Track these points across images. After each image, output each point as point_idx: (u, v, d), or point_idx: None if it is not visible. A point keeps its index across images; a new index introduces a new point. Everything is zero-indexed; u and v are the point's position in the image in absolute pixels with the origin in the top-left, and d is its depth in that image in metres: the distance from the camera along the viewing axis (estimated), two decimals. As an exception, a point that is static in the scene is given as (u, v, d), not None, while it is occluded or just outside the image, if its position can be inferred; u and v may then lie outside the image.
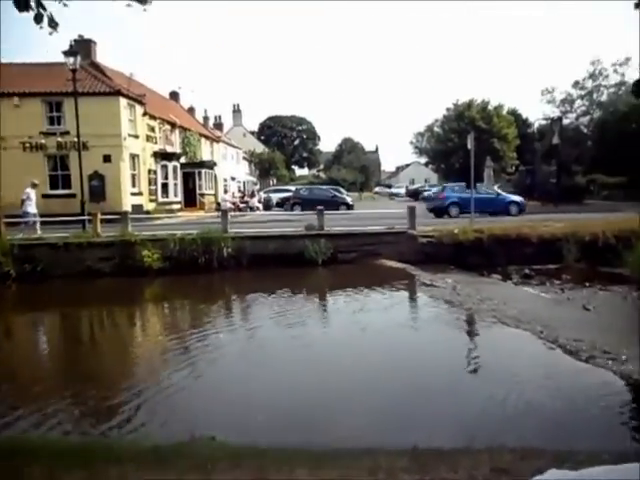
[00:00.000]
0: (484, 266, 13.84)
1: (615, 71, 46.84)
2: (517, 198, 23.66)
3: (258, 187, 51.44)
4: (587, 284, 12.00)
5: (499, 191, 24.10)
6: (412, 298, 12.03)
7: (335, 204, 27.81)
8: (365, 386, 6.23)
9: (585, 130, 49.07)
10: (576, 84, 49.20)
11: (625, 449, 3.35)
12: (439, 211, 22.81)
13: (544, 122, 47.57)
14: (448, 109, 53.34)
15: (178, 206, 31.67)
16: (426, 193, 42.96)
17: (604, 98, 48.19)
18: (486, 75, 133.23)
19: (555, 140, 31.48)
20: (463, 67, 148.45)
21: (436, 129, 58.58)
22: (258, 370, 7.05)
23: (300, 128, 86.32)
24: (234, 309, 11.81)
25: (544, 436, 4.52)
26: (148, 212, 26.94)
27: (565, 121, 45.77)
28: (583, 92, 49.20)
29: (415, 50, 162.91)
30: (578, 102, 49.97)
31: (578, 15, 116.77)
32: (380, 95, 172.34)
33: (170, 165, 31.22)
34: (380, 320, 9.61)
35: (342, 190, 33.65)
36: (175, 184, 31.86)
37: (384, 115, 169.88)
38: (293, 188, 36.79)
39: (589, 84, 48.78)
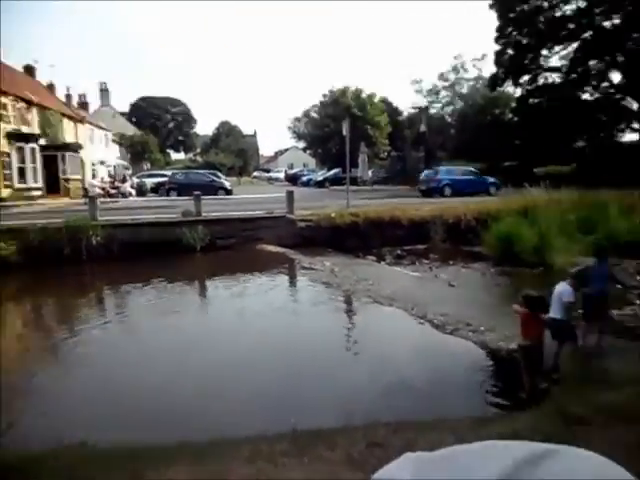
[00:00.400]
0: (360, 248, 14.42)
1: (474, 66, 50.86)
2: (494, 180, 25.97)
3: (130, 172, 48.63)
4: (451, 262, 13.02)
5: (478, 173, 26.70)
6: (292, 282, 12.18)
7: (213, 189, 27.18)
8: (246, 373, 6.20)
9: (449, 119, 52.78)
10: (441, 76, 52.66)
11: (484, 413, 3.70)
12: (433, 192, 24.17)
13: (413, 111, 50.40)
14: (324, 95, 54.32)
15: (39, 193, 28.88)
16: (305, 178, 43.72)
17: (465, 90, 52.17)
18: (359, 64, 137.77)
19: (422, 128, 33.52)
20: (338, 54, 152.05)
21: (313, 114, 59.38)
22: (131, 365, 6.70)
23: (174, 110, 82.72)
24: (105, 302, 11.10)
25: (415, 408, 4.83)
26: (3, 200, 24.27)
27: (431, 110, 48.91)
28: (447, 84, 52.81)
29: (293, 34, 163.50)
30: (443, 93, 53.51)
31: (446, 10, 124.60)
32: (258, 78, 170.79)
33: (27, 147, 28.32)
34: (260, 305, 9.60)
35: (220, 175, 32.92)
36: (34, 168, 28.98)
37: (262, 99, 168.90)
38: (168, 173, 35.24)
39: (452, 77, 52.47)
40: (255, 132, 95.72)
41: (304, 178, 43.57)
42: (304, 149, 71.72)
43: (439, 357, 6.70)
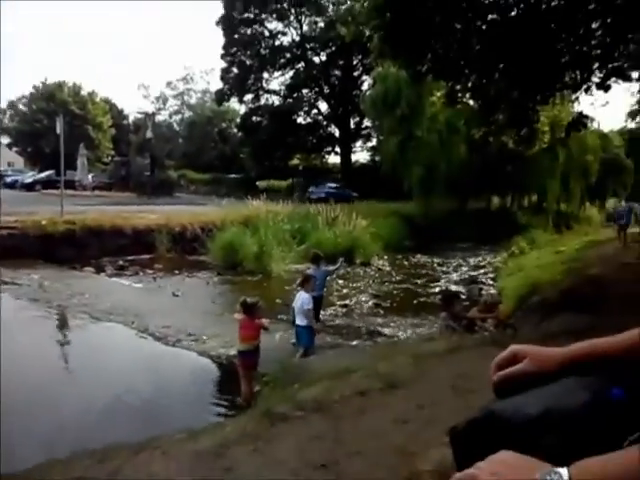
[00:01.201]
0: (77, 259, 13.17)
1: (202, 78, 52.09)
2: (353, 193, 29.07)
3: None
4: (177, 272, 12.93)
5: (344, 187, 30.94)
6: (-12, 300, 10.34)
7: None
8: None
9: (177, 128, 52.74)
10: (169, 84, 52.30)
11: (201, 421, 3.73)
12: (320, 200, 24.37)
13: (140, 116, 48.76)
14: (35, 87, 48.34)
15: None
16: (10, 179, 37.81)
17: (193, 101, 52.89)
18: (77, 57, 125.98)
19: (149, 134, 32.64)
20: (49, 43, 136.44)
21: (21, 107, 52.15)
22: None
23: None
24: None
25: (134, 428, 4.57)
26: None
27: (159, 117, 48.14)
28: (175, 92, 52.74)
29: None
30: (171, 101, 53.29)
31: (174, 17, 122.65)
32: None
33: None
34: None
35: None
36: None
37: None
38: None
39: (181, 86, 52.62)
40: (-60, 120, 78.90)
41: (9, 179, 37.53)
42: (9, 145, 62.13)
43: (160, 370, 6.52)
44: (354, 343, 7.51)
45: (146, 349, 7.20)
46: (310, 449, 2.66)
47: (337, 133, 37.59)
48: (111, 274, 12.48)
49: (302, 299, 6.43)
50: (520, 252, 16.50)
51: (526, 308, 8.38)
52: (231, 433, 2.89)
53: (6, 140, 63.13)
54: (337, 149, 38.32)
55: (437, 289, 12.46)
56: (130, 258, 13.91)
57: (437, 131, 22.83)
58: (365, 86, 34.40)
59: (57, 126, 15.66)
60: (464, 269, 15.87)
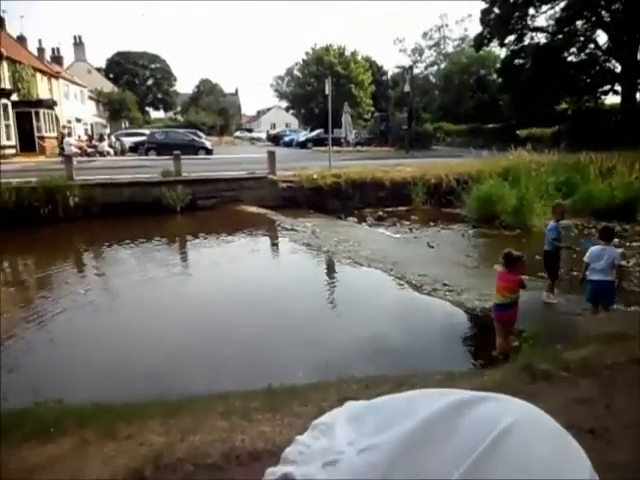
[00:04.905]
0: (342, 209, 14.45)
1: (456, 23, 50.27)
2: None
3: (108, 130, 47.45)
4: (432, 223, 13.11)
5: None
6: (274, 243, 12.18)
7: (193, 149, 26.81)
8: (228, 332, 6.25)
9: (433, 80, 52.28)
10: (425, 35, 51.87)
11: (453, 368, 3.82)
12: None
13: (397, 70, 49.76)
14: (307, 53, 53.25)
15: (13, 151, 28.09)
16: (287, 138, 43.11)
17: (449, 50, 51.53)
18: (342, 21, 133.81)
19: (406, 88, 33.04)
20: (322, 11, 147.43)
21: (296, 72, 58.26)
22: (114, 325, 6.71)
23: (153, 66, 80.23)
24: (85, 262, 10.99)
25: (391, 364, 4.94)
26: (-25, 158, 23.55)
27: (416, 70, 48.28)
28: (431, 43, 52.12)
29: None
30: (427, 52, 52.90)
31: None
32: (239, 34, 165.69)
33: (-1, 103, 27.37)
34: (242, 264, 9.63)
35: (201, 134, 32.36)
36: (7, 125, 28.10)
37: (244, 56, 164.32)
38: (147, 132, 34.48)
39: (436, 36, 51.72)
40: (237, 90, 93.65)
41: (286, 138, 42.91)
42: (287, 109, 70.54)
43: (417, 316, 6.82)
44: (631, 309, 6.60)
45: (403, 295, 7.59)
46: (576, 412, 2.50)
47: (618, 68, 32.18)
48: (371, 224, 13.36)
49: (613, 254, 5.71)
50: None
51: None
52: (489, 382, 2.89)
53: (284, 104, 71.79)
54: (617, 87, 32.88)
55: None
56: (388, 209, 14.66)
57: None
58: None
59: (326, 87, 17.08)
60: None
